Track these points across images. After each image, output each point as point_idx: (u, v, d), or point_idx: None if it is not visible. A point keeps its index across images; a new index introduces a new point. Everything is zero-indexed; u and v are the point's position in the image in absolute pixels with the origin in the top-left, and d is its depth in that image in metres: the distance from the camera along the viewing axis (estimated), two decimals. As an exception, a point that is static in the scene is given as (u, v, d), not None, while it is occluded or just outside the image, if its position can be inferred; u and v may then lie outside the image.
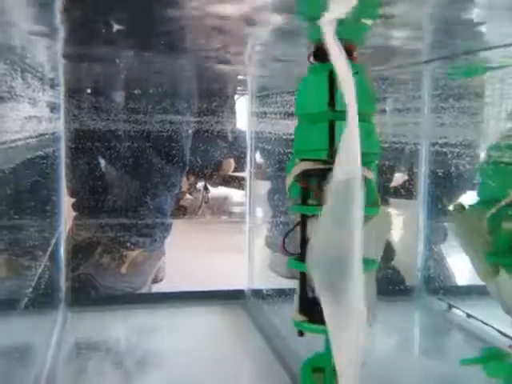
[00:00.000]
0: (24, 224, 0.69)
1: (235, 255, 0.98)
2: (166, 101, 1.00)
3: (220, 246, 1.17)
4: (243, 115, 1.19)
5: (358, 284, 0.31)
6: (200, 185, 1.56)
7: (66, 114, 0.88)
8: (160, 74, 0.82)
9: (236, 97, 1.25)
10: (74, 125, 0.92)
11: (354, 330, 0.32)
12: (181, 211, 1.46)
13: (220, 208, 1.61)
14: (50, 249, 0.79)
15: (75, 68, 0.72)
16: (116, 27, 0.47)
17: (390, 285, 0.92)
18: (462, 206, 0.47)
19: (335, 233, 0.32)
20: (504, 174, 0.43)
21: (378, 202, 0.39)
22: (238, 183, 1.46)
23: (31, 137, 0.63)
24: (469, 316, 0.81)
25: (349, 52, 0.36)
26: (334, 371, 0.36)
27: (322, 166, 0.37)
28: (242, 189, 1.20)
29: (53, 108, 0.80)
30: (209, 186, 1.56)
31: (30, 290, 0.64)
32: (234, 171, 1.50)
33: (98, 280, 0.93)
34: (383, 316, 0.57)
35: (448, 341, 0.81)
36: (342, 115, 0.32)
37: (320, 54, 0.38)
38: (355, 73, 0.33)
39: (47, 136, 0.77)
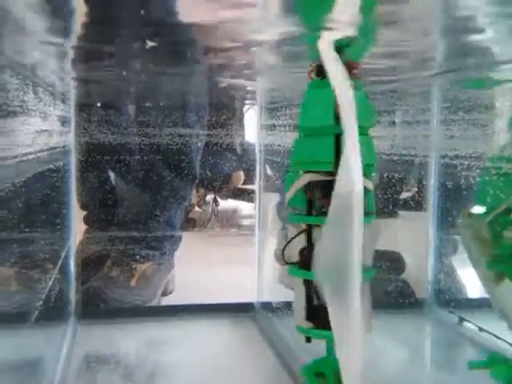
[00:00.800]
0: (34, 237, 0.70)
1: (245, 268, 0.98)
2: (175, 114, 1.01)
3: (229, 258, 1.17)
4: (252, 128, 1.19)
5: (359, 292, 0.33)
6: (209, 197, 1.56)
7: (76, 127, 0.88)
8: (170, 87, 0.83)
9: (245, 110, 1.25)
10: (84, 138, 0.93)
11: (359, 336, 0.33)
12: (190, 224, 1.46)
13: (229, 221, 1.61)
14: (59, 262, 0.79)
15: (86, 82, 0.73)
16: (127, 41, 0.48)
17: (400, 298, 0.92)
18: (469, 214, 0.48)
19: (338, 242, 0.33)
20: (503, 184, 0.45)
21: (374, 212, 0.41)
22: (247, 196, 1.45)
23: (42, 150, 0.64)
24: (481, 330, 0.80)
25: (349, 68, 0.38)
26: (335, 376, 0.38)
27: (327, 178, 0.39)
28: (252, 201, 1.20)
29: (63, 122, 0.80)
30: (218, 199, 1.56)
31: (41, 303, 0.64)
32: (243, 184, 1.50)
33: (108, 293, 0.93)
34: (394, 329, 0.57)
35: (460, 355, 0.80)
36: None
37: (323, 70, 0.39)
38: (355, 88, 0.34)
39: (58, 149, 0.77)
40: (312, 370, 0.42)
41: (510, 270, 0.43)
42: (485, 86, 0.57)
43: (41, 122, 0.62)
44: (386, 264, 0.97)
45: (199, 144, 1.08)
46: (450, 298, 0.89)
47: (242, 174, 1.47)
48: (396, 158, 0.64)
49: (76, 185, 0.90)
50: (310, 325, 0.41)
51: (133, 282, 0.98)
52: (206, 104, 1.08)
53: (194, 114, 1.05)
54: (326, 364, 0.41)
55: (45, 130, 0.65)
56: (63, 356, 0.72)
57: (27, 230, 0.64)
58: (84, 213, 1.09)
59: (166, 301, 1.04)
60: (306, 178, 0.40)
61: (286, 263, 0.41)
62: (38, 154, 0.61)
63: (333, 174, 0.37)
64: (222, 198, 1.56)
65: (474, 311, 0.85)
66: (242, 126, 1.27)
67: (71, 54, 0.48)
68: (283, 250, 0.41)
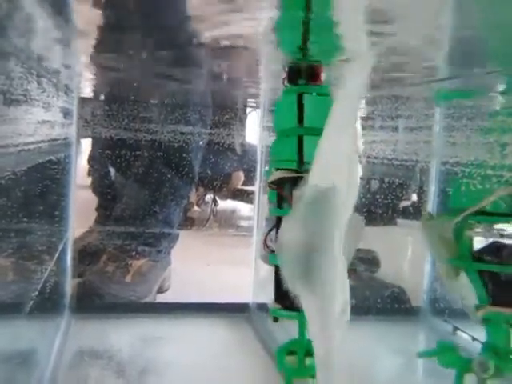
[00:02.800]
0: (32, 228, 0.70)
1: (241, 268, 0.98)
2: (178, 111, 1.01)
3: (226, 258, 1.17)
4: (253, 129, 1.20)
5: (334, 277, 0.35)
6: (208, 197, 1.56)
7: (78, 120, 0.88)
8: (174, 85, 0.83)
9: (248, 111, 1.25)
10: (85, 131, 0.93)
11: (330, 317, 0.35)
12: (188, 223, 1.46)
13: (228, 221, 1.61)
14: (56, 254, 0.79)
15: (90, 75, 0.73)
16: (133, 37, 0.48)
17: (395, 304, 0.92)
18: (430, 215, 0.52)
19: (306, 231, 0.35)
20: (471, 188, 0.49)
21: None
22: (246, 197, 1.45)
23: (43, 141, 0.63)
24: (474, 339, 0.80)
25: (317, 74, 0.43)
26: (305, 354, 0.44)
27: (293, 175, 0.44)
28: (251, 203, 1.20)
29: (66, 113, 0.80)
30: (217, 199, 1.56)
31: (36, 294, 0.64)
32: (242, 185, 1.50)
33: (103, 288, 0.93)
34: (387, 336, 0.57)
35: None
36: (309, 131, 0.39)
37: (291, 76, 0.45)
38: (324, 94, 0.40)
39: (59, 141, 0.77)
40: (285, 350, 0.47)
41: (467, 265, 0.48)
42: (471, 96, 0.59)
43: (43, 113, 0.62)
44: (362, 262, 0.98)
45: (200, 143, 1.08)
46: (444, 307, 0.89)
47: (241, 174, 1.47)
48: (397, 163, 0.64)
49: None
50: (278, 306, 0.46)
51: (128, 278, 0.98)
52: (210, 103, 1.08)
53: (197, 112, 1.05)
54: (298, 344, 0.45)
55: (47, 120, 0.65)
56: (56, 349, 0.71)
57: (25, 220, 0.64)
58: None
59: (162, 298, 1.04)
60: (276, 175, 0.45)
61: (271, 251, 0.46)
62: (40, 145, 0.61)
63: (297, 171, 0.43)
64: (221, 198, 1.56)
65: (468, 321, 0.85)
66: (243, 126, 1.27)
67: (75, 45, 0.48)
68: (265, 238, 0.46)
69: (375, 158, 0.66)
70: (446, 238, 0.49)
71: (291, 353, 0.47)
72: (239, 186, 1.50)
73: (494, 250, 0.48)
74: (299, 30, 0.37)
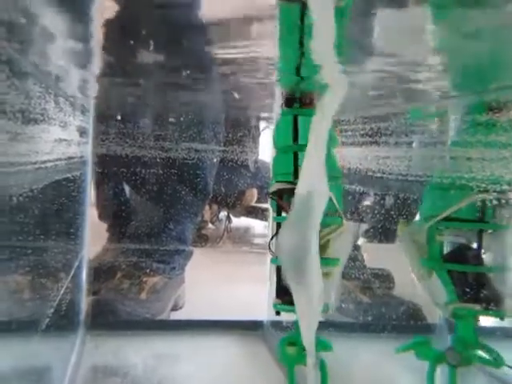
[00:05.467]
0: (48, 246, 0.70)
1: (255, 286, 0.97)
2: (192, 129, 1.02)
3: (240, 276, 1.17)
4: (267, 146, 1.20)
5: (316, 271, 0.41)
6: (222, 214, 1.57)
7: (94, 138, 0.89)
8: (188, 103, 0.84)
9: (261, 128, 1.26)
10: (101, 150, 0.94)
11: (313, 300, 0.42)
12: (202, 240, 1.46)
13: (241, 238, 1.61)
14: (72, 272, 0.79)
15: (106, 94, 0.74)
16: (148, 57, 0.49)
17: (410, 321, 0.91)
18: (405, 222, 0.58)
19: (294, 234, 0.41)
20: (441, 196, 0.55)
21: (340, 213, 0.51)
22: (260, 214, 1.46)
23: (60, 159, 0.64)
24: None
25: (310, 100, 0.50)
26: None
27: (289, 186, 0.49)
28: (265, 220, 1.20)
29: (82, 132, 0.81)
30: (231, 216, 1.56)
31: (52, 311, 0.64)
32: (256, 202, 1.50)
33: (118, 305, 0.93)
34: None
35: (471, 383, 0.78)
36: (303, 147, 0.43)
37: (288, 101, 0.52)
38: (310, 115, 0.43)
39: (75, 159, 0.78)
40: (286, 341, 0.52)
41: (438, 266, 0.54)
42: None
43: (60, 131, 0.63)
44: (377, 281, 0.98)
45: (214, 160, 1.09)
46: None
47: (255, 191, 1.47)
48: (412, 178, 0.65)
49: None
50: (279, 301, 0.52)
51: (143, 295, 0.98)
52: (223, 120, 1.09)
53: (211, 129, 1.06)
54: (297, 336, 0.48)
55: (64, 139, 0.66)
56: (71, 366, 0.71)
57: (42, 237, 0.64)
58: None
59: (176, 315, 1.04)
60: (275, 187, 0.51)
61: (273, 254, 0.52)
62: (56, 163, 0.62)
63: (293, 183, 0.48)
64: (234, 215, 1.57)
65: (485, 339, 0.84)
66: (256, 143, 1.28)
67: (96, 61, 0.49)
68: (269, 242, 0.52)
69: (390, 173, 0.66)
70: (419, 243, 0.55)
71: (291, 344, 0.52)
72: (253, 204, 1.50)
73: (461, 252, 0.54)
74: (294, 68, 0.45)
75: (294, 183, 0.46)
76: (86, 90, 0.69)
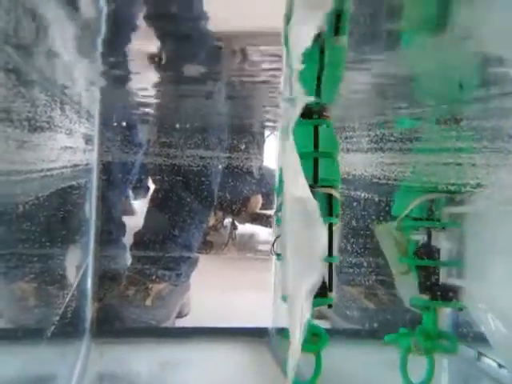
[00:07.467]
0: (53, 253, 0.70)
1: (260, 293, 0.97)
2: (197, 136, 1.02)
3: (245, 282, 1.16)
4: (271, 153, 1.20)
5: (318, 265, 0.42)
6: (227, 221, 1.56)
7: (99, 145, 0.89)
8: (192, 110, 0.84)
9: (266, 135, 1.26)
10: (106, 157, 0.94)
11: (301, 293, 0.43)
12: (207, 246, 1.46)
13: (246, 245, 1.60)
14: (77, 279, 0.79)
15: (111, 101, 0.74)
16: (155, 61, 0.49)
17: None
18: (380, 222, 0.63)
19: (284, 232, 0.45)
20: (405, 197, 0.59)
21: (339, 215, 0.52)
22: (265, 221, 1.45)
23: (65, 167, 0.64)
24: (500, 366, 0.78)
25: (324, 111, 0.51)
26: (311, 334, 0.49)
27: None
28: (270, 226, 1.19)
29: (87, 140, 0.81)
30: (236, 223, 1.56)
31: (57, 318, 0.64)
32: (261, 208, 1.50)
33: (123, 311, 0.93)
34: (409, 360, 0.56)
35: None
36: (323, 154, 0.47)
37: (306, 114, 0.53)
38: (327, 126, 0.49)
39: (80, 167, 0.78)
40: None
41: (414, 263, 0.58)
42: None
43: (66, 139, 0.63)
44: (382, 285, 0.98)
45: (219, 167, 1.09)
46: (468, 332, 0.87)
47: (260, 198, 1.47)
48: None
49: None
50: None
51: (148, 302, 0.98)
52: (227, 127, 1.09)
53: (216, 136, 1.06)
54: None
55: (69, 146, 0.66)
56: (76, 373, 0.71)
57: (47, 245, 0.64)
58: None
59: (181, 322, 1.03)
60: None
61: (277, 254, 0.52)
62: (62, 170, 0.62)
63: (312, 187, 0.47)
64: (239, 222, 1.56)
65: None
66: (261, 150, 1.28)
67: (100, 69, 0.50)
68: (272, 244, 0.53)
69: (394, 179, 0.66)
70: (398, 241, 0.59)
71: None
72: (258, 210, 1.50)
73: (420, 249, 0.58)
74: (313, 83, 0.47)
75: (313, 187, 0.48)
76: (92, 96, 0.69)
